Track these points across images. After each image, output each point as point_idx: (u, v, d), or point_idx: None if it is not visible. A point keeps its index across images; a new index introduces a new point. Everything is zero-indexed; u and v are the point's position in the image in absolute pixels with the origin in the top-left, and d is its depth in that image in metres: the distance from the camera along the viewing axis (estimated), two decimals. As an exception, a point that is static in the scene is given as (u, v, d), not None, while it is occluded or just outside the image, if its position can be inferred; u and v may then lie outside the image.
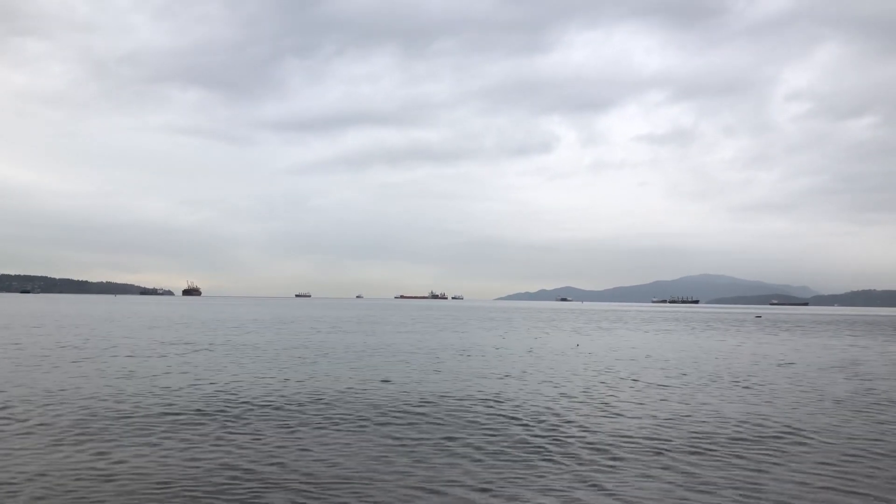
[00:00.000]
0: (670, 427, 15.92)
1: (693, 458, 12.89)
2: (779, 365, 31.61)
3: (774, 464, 12.60)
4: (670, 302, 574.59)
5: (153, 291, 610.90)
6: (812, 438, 14.90)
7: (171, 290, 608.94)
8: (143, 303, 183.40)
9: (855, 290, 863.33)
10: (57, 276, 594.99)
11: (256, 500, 10.21)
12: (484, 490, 10.75)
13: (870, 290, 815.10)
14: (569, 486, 10.99)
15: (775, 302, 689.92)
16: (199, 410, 17.22)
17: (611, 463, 12.49)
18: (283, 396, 19.64)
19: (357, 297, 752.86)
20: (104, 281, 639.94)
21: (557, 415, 17.36)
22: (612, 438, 14.52)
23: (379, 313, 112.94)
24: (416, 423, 15.94)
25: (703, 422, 16.72)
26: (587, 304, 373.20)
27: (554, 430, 15.38)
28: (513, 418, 16.79)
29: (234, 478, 11.27)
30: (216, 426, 15.32)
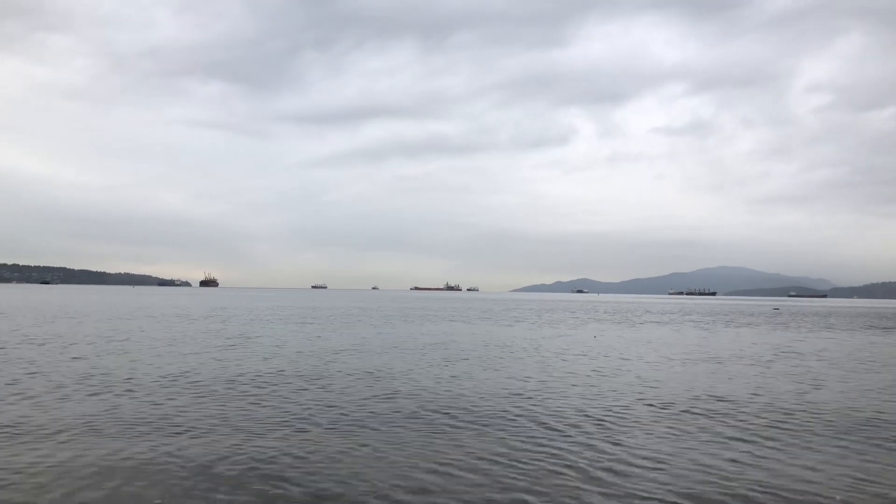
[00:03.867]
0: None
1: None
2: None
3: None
4: (687, 294, 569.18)
5: (171, 283, 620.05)
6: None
7: (189, 281, 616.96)
8: (175, 294, 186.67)
9: (874, 282, 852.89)
10: (76, 267, 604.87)
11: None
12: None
13: (889, 282, 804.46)
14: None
15: (793, 294, 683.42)
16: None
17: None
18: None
19: (373, 288, 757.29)
20: (122, 272, 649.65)
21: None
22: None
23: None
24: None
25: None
26: (603, 297, 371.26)
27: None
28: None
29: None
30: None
